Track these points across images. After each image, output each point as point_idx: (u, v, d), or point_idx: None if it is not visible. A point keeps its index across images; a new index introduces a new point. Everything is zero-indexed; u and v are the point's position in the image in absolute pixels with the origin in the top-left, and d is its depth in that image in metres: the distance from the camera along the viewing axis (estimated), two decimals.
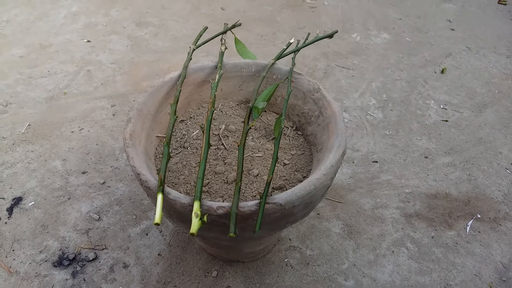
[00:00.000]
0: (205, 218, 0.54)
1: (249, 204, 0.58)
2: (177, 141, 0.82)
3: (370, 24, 2.00)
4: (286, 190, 0.70)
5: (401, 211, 1.07)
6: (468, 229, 1.03)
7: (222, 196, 0.70)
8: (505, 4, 2.24)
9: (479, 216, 1.06)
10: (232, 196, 0.67)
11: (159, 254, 0.95)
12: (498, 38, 1.91)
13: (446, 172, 1.19)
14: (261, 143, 0.81)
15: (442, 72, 1.65)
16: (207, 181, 0.72)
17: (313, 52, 1.74)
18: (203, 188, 0.71)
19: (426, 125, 1.37)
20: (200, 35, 0.91)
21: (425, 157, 1.24)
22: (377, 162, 1.21)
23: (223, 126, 0.84)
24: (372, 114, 1.40)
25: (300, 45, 0.90)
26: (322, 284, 0.90)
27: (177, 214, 0.62)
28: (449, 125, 1.37)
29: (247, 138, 0.82)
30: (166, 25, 1.93)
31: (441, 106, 1.46)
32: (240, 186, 0.60)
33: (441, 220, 1.05)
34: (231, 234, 0.54)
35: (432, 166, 1.21)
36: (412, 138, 1.31)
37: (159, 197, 0.57)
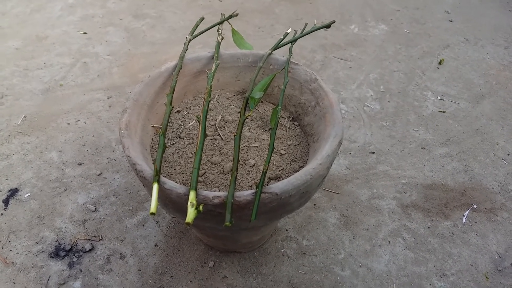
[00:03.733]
0: (200, 208, 0.54)
1: (245, 194, 0.58)
2: (173, 131, 0.81)
3: (368, 16, 1.99)
4: (282, 180, 0.70)
5: (397, 201, 1.07)
6: (464, 220, 1.03)
7: (218, 186, 0.70)
8: None
9: (475, 206, 1.07)
10: (228, 186, 0.67)
11: (155, 245, 0.95)
12: (496, 29, 1.90)
13: (443, 162, 1.19)
14: (257, 133, 0.81)
15: (440, 63, 1.64)
16: (203, 171, 0.72)
17: (310, 44, 1.73)
18: (199, 178, 0.71)
19: (423, 116, 1.36)
20: (196, 26, 0.90)
21: (422, 148, 1.24)
22: (374, 153, 1.21)
23: (220, 117, 0.84)
24: (369, 106, 1.40)
25: (297, 35, 0.89)
26: (319, 274, 0.90)
27: (173, 204, 0.62)
28: (446, 116, 1.37)
29: (243, 128, 0.81)
30: (163, 16, 1.92)
31: (439, 97, 1.45)
32: (236, 176, 0.60)
33: (437, 211, 1.05)
34: (227, 224, 0.54)
35: (429, 157, 1.21)
36: (409, 129, 1.31)
37: (155, 186, 0.56)
